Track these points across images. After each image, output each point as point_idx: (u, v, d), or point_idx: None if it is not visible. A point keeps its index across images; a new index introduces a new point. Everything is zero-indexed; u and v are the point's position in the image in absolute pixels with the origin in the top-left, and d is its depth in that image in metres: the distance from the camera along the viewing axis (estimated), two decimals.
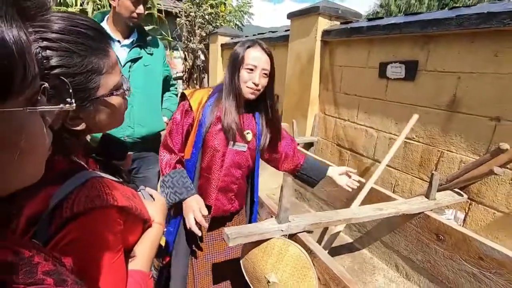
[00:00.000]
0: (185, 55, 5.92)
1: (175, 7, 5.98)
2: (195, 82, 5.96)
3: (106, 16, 1.46)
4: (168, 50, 6.13)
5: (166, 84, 1.70)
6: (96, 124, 0.54)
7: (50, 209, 0.44)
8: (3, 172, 0.30)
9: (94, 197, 0.47)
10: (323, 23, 2.55)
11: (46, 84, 0.39)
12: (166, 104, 1.72)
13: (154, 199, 0.73)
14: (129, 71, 1.46)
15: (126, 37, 1.47)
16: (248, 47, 1.13)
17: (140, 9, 1.40)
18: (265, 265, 1.10)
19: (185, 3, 5.90)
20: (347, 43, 2.41)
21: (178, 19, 5.74)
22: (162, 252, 0.91)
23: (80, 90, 0.46)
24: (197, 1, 5.82)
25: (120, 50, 1.45)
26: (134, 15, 1.39)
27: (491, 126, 1.55)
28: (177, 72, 6.22)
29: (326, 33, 2.53)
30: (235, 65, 1.13)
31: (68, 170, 0.49)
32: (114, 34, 1.43)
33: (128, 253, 0.61)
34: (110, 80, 0.52)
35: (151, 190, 0.74)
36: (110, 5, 1.40)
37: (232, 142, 1.18)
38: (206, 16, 5.84)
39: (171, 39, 5.80)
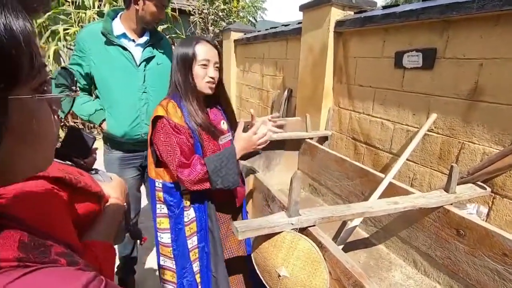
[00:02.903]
0: None
1: (189, 5, 6.03)
2: None
3: (120, 14, 1.47)
4: None
5: None
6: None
7: None
8: (16, 160, 0.31)
9: None
10: (336, 14, 2.48)
11: (53, 75, 0.41)
12: None
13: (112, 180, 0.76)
14: (144, 70, 1.48)
15: (140, 36, 1.49)
16: (196, 43, 1.12)
17: (163, 14, 1.44)
18: (275, 258, 1.10)
19: (198, 1, 5.94)
20: (361, 33, 2.34)
21: (191, 16, 5.78)
22: (139, 234, 0.92)
23: None
24: None
25: (135, 49, 1.48)
26: (157, 20, 1.44)
27: None
28: None
29: (339, 23, 2.46)
30: (185, 64, 1.11)
31: None
32: (129, 33, 1.46)
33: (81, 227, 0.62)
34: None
35: (109, 173, 0.77)
36: (128, 5, 1.41)
37: (220, 138, 1.22)
38: (219, 13, 5.86)
39: (185, 38, 5.88)
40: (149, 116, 1.52)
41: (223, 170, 1.09)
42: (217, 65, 1.15)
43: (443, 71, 1.78)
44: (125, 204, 0.74)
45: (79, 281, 0.29)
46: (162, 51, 1.56)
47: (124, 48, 1.43)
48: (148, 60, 1.49)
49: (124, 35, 1.45)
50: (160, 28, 5.16)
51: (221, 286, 1.26)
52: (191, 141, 1.15)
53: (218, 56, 1.15)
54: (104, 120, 1.52)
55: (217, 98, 1.26)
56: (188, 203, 1.22)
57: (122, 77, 1.46)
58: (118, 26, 1.45)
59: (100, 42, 1.42)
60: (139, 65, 1.47)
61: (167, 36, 5.35)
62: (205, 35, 5.81)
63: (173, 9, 5.50)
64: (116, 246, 1.81)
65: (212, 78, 1.13)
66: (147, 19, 1.41)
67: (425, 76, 1.88)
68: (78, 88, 0.40)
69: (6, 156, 0.29)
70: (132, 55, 1.45)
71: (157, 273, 2.06)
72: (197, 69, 1.12)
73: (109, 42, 1.42)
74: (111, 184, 0.73)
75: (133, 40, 1.47)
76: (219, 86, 1.22)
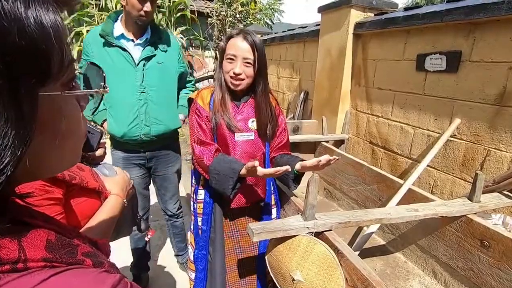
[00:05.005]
0: (216, 54, 6.02)
1: (207, 7, 6.11)
2: None
3: (120, 16, 1.47)
4: (200, 50, 6.29)
5: (182, 81, 1.68)
6: None
7: None
8: (45, 157, 0.30)
9: None
10: (356, 16, 2.44)
11: (81, 70, 0.41)
12: (182, 101, 1.68)
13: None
14: (143, 70, 1.46)
15: (139, 36, 1.47)
16: (230, 37, 1.13)
17: (147, 6, 1.37)
18: (290, 262, 1.08)
19: (216, 3, 6.01)
20: (381, 36, 2.29)
21: (209, 19, 5.86)
22: (145, 227, 0.93)
23: None
24: (228, 1, 5.89)
25: (134, 49, 1.46)
26: (142, 13, 1.37)
27: None
28: (208, 71, 6.36)
29: (358, 25, 2.42)
30: (220, 56, 1.17)
31: None
32: (127, 34, 1.45)
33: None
34: None
35: (115, 167, 0.78)
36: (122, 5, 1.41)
37: (237, 134, 1.20)
38: (237, 15, 5.90)
39: (203, 39, 5.94)
40: (148, 117, 1.48)
41: (221, 177, 1.11)
42: (247, 60, 1.11)
43: (468, 74, 1.71)
44: (125, 200, 0.74)
45: (104, 284, 0.29)
46: (164, 49, 1.51)
47: (123, 49, 1.42)
48: (147, 59, 1.46)
49: (122, 36, 1.44)
50: (178, 29, 5.25)
51: (216, 268, 1.30)
52: (209, 125, 1.20)
53: (251, 52, 1.11)
54: (105, 120, 1.51)
55: (255, 94, 1.22)
56: (202, 183, 1.28)
57: (120, 78, 1.43)
58: (118, 27, 1.44)
59: (100, 44, 1.43)
60: (138, 64, 1.44)
61: (185, 38, 5.45)
62: (222, 37, 5.86)
63: (192, 11, 5.59)
64: (128, 243, 1.84)
65: (236, 74, 1.11)
66: (134, 14, 1.37)
67: (448, 80, 1.81)
68: (107, 85, 0.39)
69: (35, 153, 0.28)
70: (131, 55, 1.43)
71: (167, 269, 2.09)
72: (224, 63, 1.15)
73: (108, 44, 1.42)
74: (114, 179, 0.73)
75: (132, 40, 1.45)
76: (257, 83, 1.18)
